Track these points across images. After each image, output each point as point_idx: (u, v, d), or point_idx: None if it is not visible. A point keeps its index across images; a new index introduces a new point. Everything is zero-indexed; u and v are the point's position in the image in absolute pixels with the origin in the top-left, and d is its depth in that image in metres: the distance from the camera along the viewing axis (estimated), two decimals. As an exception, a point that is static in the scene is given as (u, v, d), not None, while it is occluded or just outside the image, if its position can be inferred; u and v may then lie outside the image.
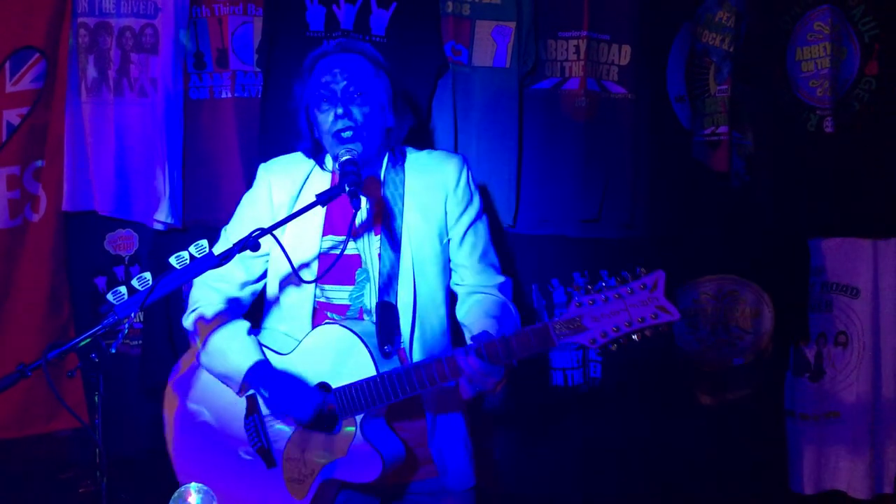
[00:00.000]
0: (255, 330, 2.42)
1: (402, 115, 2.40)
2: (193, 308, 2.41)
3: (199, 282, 2.38)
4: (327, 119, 2.29)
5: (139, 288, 1.96)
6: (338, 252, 2.26)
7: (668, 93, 3.16)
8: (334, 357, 2.24)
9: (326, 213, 2.35)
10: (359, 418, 2.21)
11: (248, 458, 2.36)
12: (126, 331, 1.96)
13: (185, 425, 2.46)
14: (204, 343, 2.37)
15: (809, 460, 3.35)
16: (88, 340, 1.92)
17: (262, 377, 2.29)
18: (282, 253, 2.15)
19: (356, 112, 2.28)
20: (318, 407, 2.23)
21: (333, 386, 2.23)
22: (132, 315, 1.96)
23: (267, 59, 3.02)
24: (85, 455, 3.11)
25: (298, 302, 2.35)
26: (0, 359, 3.07)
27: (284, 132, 3.03)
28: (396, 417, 2.30)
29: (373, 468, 2.19)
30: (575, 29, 3.06)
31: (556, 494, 3.16)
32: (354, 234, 2.32)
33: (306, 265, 2.31)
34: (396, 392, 2.16)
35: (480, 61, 3.07)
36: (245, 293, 2.45)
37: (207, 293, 2.41)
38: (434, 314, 2.38)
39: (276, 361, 2.33)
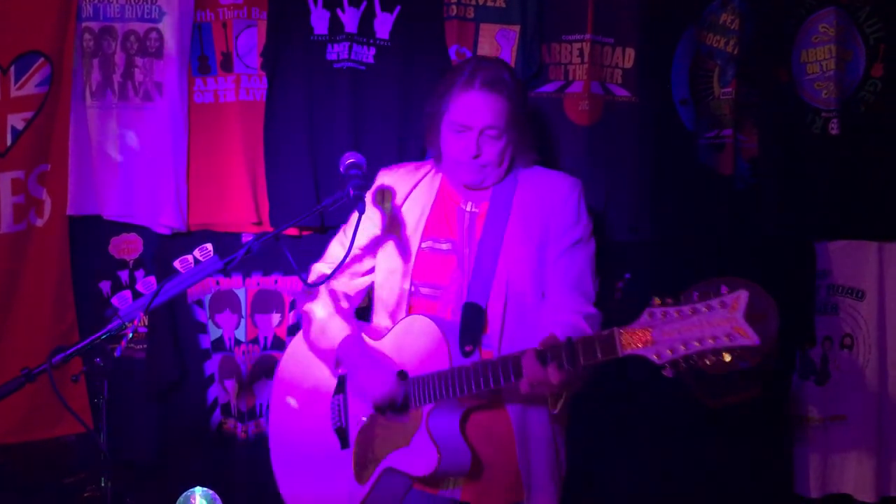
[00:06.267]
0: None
1: (528, 144, 2.40)
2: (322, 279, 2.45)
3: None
4: (457, 148, 2.33)
5: (144, 292, 1.96)
6: (436, 251, 2.37)
7: (672, 95, 3.15)
8: (416, 347, 2.26)
9: (428, 218, 2.41)
10: (426, 410, 2.20)
11: (327, 435, 2.41)
12: (130, 335, 1.96)
13: (279, 403, 2.57)
14: (311, 323, 2.48)
15: (815, 463, 3.33)
16: (93, 345, 1.93)
17: (351, 351, 2.35)
18: (387, 256, 2.39)
19: (488, 153, 2.31)
20: (392, 392, 2.24)
21: (411, 375, 2.26)
22: (136, 319, 1.96)
23: (271, 63, 3.02)
24: (89, 460, 3.11)
25: (395, 299, 2.39)
26: (4, 363, 3.08)
27: (288, 135, 3.05)
28: (482, 430, 2.27)
29: (428, 462, 2.16)
30: (579, 32, 3.06)
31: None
32: (446, 237, 2.39)
33: (405, 264, 2.39)
34: (460, 387, 2.13)
35: (485, 65, 3.07)
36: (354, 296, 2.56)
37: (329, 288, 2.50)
38: (526, 326, 2.31)
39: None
